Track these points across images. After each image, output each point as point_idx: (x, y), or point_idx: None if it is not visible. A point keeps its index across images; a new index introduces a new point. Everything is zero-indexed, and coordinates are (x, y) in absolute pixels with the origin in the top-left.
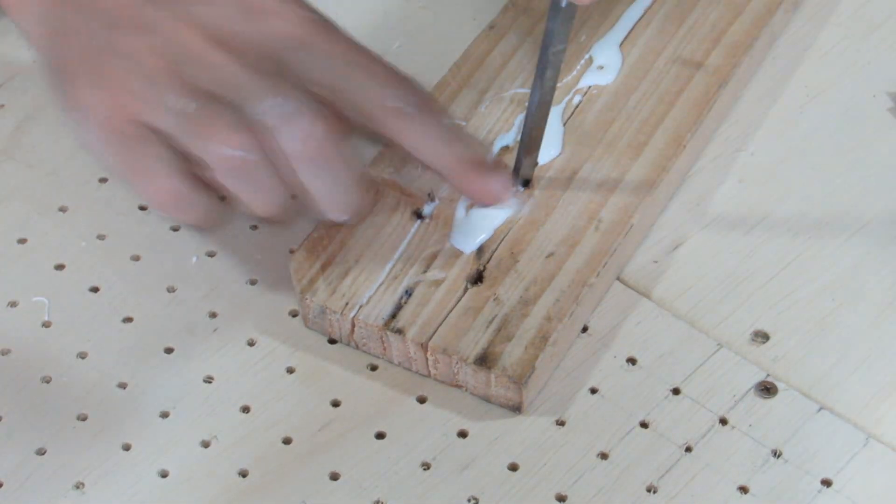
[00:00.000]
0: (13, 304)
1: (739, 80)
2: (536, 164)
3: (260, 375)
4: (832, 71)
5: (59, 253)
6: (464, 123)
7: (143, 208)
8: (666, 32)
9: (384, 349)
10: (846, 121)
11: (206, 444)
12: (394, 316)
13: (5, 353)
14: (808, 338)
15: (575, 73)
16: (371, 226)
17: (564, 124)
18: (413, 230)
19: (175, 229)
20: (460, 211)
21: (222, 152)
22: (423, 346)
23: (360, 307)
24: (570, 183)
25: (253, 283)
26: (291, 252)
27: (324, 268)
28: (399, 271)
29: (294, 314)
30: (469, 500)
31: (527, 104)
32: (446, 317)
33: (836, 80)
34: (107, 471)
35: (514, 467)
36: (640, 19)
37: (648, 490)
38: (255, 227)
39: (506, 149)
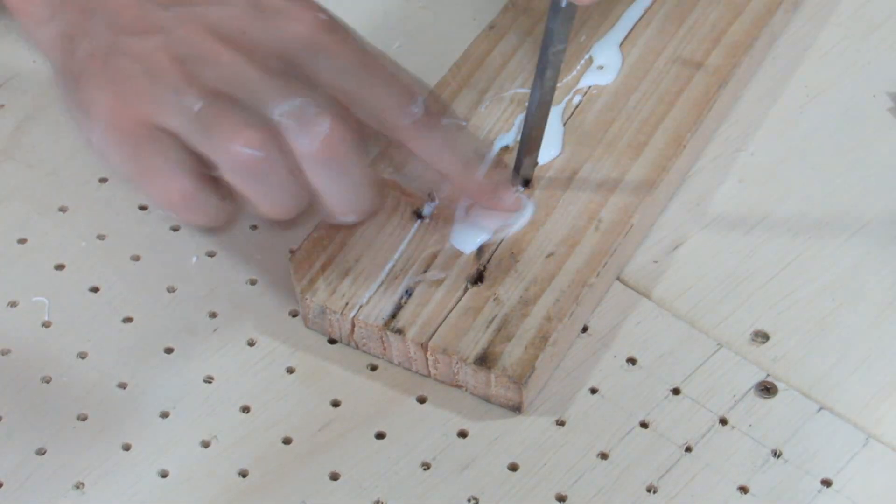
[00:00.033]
0: (13, 304)
1: (739, 80)
2: (536, 164)
3: (260, 375)
4: (832, 71)
5: (59, 253)
6: (465, 123)
7: (143, 208)
8: (666, 32)
9: (384, 349)
10: (846, 121)
11: (206, 444)
12: (394, 316)
13: (5, 353)
14: (808, 338)
15: (575, 73)
16: (371, 226)
17: (564, 124)
18: (413, 230)
19: (175, 229)
20: (460, 212)
21: (233, 151)
22: (423, 346)
23: (360, 307)
24: (570, 183)
25: (253, 283)
26: (291, 252)
27: (324, 268)
28: (399, 271)
29: (294, 314)
30: (469, 500)
31: (527, 104)
32: (446, 317)
33: (836, 80)
34: (107, 471)
35: (514, 467)
36: (640, 19)
37: (648, 490)
38: (254, 228)
39: (506, 149)
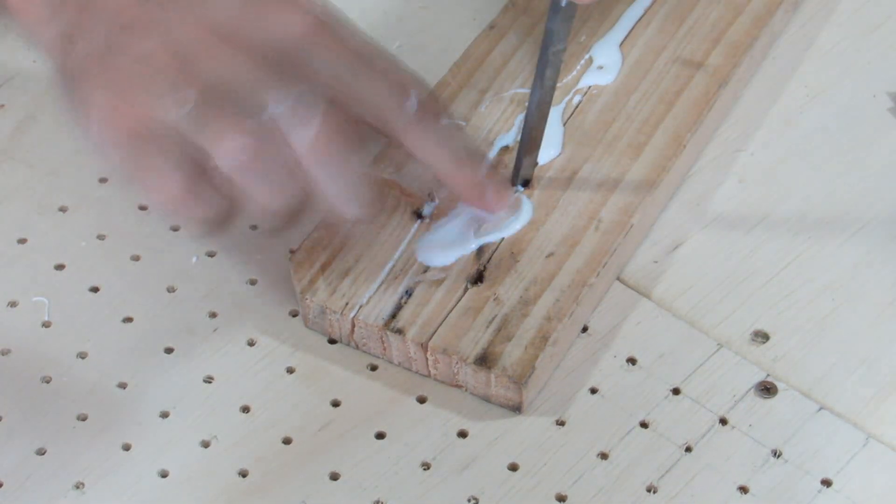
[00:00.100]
0: (13, 304)
1: (739, 80)
2: (536, 164)
3: (260, 375)
4: (832, 71)
5: (59, 253)
6: (464, 123)
7: (143, 208)
8: (666, 32)
9: (384, 349)
10: (846, 121)
11: (206, 444)
12: (394, 316)
13: (5, 353)
14: (808, 338)
15: (575, 73)
16: (371, 226)
17: (564, 124)
18: (413, 230)
19: (175, 229)
20: (456, 213)
21: (229, 144)
22: (423, 346)
23: (360, 307)
24: (570, 183)
25: (253, 283)
26: (291, 252)
27: (324, 268)
28: (399, 271)
29: (294, 314)
30: (469, 500)
31: (527, 104)
32: (446, 317)
33: (836, 80)
34: (107, 471)
35: (514, 467)
36: (640, 19)
37: (648, 490)
38: (254, 227)
39: (506, 149)
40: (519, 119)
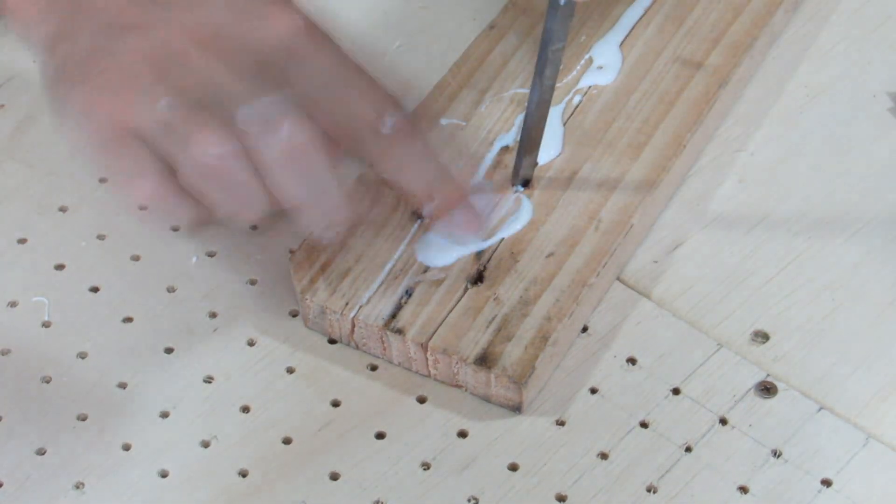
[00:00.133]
0: (13, 304)
1: (739, 80)
2: (536, 163)
3: (260, 375)
4: (832, 71)
5: (59, 253)
6: (464, 123)
7: (143, 208)
8: (666, 32)
9: (384, 349)
10: (846, 121)
11: (206, 444)
12: (394, 316)
13: (5, 353)
14: (808, 338)
15: (575, 73)
16: (371, 226)
17: (564, 124)
18: (413, 230)
19: (175, 229)
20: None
21: (191, 153)
22: (423, 346)
23: (360, 307)
24: (570, 183)
25: (253, 283)
26: (291, 252)
27: (324, 268)
28: (399, 271)
29: (294, 314)
30: (469, 500)
31: (526, 104)
32: (446, 317)
33: (836, 80)
34: (107, 471)
35: (514, 467)
36: (640, 19)
37: (648, 490)
38: (255, 228)
39: (506, 149)
40: (519, 119)
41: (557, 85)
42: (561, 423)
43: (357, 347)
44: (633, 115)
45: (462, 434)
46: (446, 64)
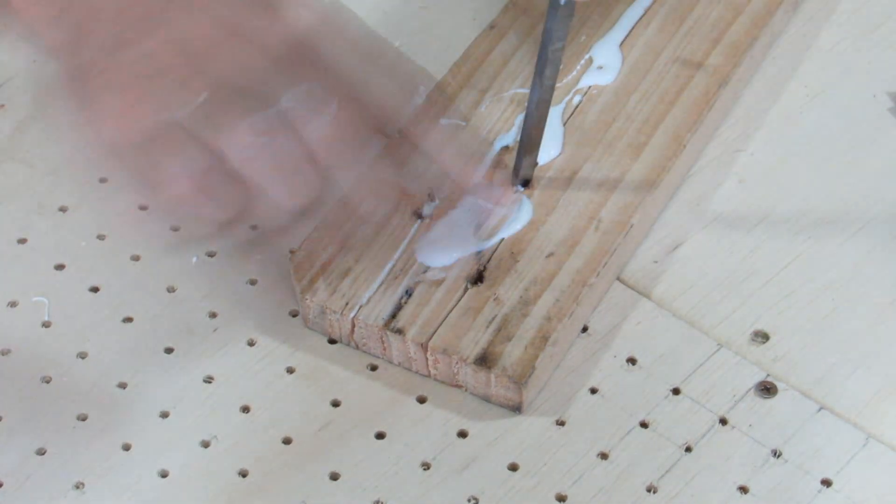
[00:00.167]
0: (13, 304)
1: (739, 80)
2: (536, 163)
3: (260, 375)
4: (832, 71)
5: (59, 253)
6: (464, 123)
7: (143, 208)
8: (666, 32)
9: (384, 349)
10: (846, 121)
11: (206, 444)
12: (394, 316)
13: (5, 353)
14: (808, 338)
15: (575, 73)
16: (371, 226)
17: (564, 124)
18: (413, 230)
19: (175, 229)
20: (458, 212)
21: (239, 140)
22: (423, 346)
23: (360, 307)
24: (570, 183)
25: (253, 283)
26: (291, 252)
27: (324, 268)
28: (399, 271)
29: (294, 314)
30: (469, 500)
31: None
32: (446, 317)
33: (836, 80)
34: (107, 471)
35: (514, 467)
36: (640, 19)
37: (648, 490)
38: (254, 227)
39: (506, 149)
40: (519, 119)
41: (557, 85)
42: (561, 423)
43: (357, 347)
44: (633, 115)
45: (462, 434)
46: (446, 64)
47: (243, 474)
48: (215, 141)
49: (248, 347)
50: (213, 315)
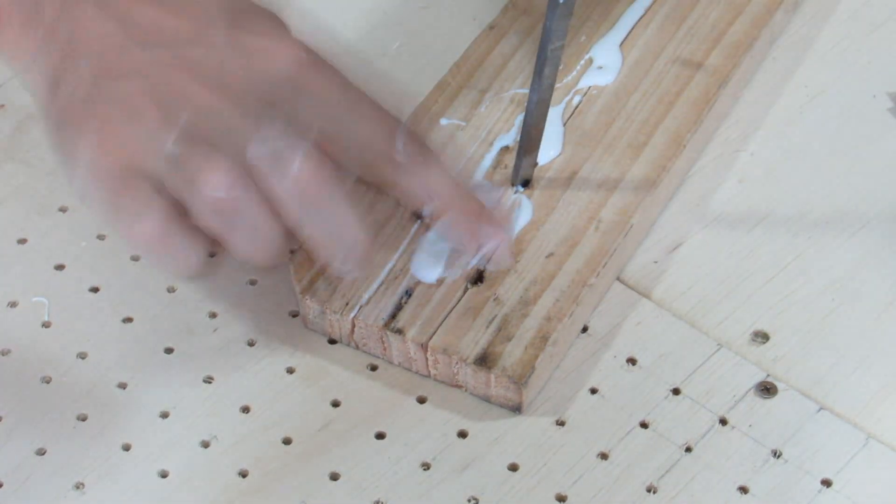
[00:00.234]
0: (13, 304)
1: (739, 80)
2: (536, 163)
3: (260, 375)
4: (832, 71)
5: (59, 253)
6: (464, 123)
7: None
8: (666, 32)
9: (384, 349)
10: (846, 121)
11: (206, 444)
12: (394, 316)
13: (5, 353)
14: (808, 338)
15: (575, 73)
16: (371, 226)
17: (564, 124)
18: (413, 230)
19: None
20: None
21: (203, 193)
22: (423, 346)
23: (360, 307)
24: (570, 183)
25: (253, 283)
26: (291, 252)
27: (324, 268)
28: (399, 271)
29: (294, 314)
30: (469, 500)
31: (526, 104)
32: (446, 317)
33: (836, 80)
34: (107, 471)
35: (514, 467)
36: (640, 19)
37: (648, 490)
38: None
39: (506, 149)
40: (519, 119)
41: (557, 85)
42: (561, 423)
43: (357, 347)
44: (632, 116)
45: (462, 434)
46: (446, 64)
47: (243, 474)
48: (181, 189)
49: (248, 347)
50: (213, 315)
